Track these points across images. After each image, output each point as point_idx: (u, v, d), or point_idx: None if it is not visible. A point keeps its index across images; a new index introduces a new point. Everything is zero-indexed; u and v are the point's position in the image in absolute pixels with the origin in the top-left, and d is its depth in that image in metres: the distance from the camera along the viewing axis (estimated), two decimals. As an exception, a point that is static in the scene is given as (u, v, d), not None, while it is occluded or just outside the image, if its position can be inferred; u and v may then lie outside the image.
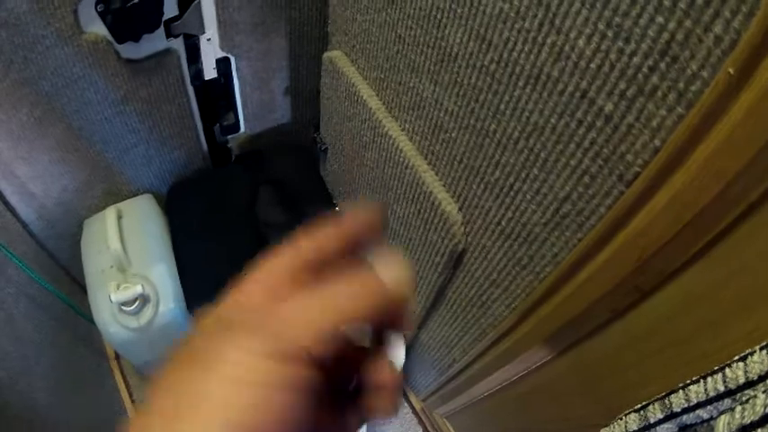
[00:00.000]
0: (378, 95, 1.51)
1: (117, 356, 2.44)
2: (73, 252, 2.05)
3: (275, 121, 2.30)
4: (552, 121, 0.91)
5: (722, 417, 0.61)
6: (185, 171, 2.26)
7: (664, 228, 0.77)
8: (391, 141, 1.45)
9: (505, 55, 0.96)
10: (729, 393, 0.63)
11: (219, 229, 2.08)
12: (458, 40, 1.07)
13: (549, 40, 0.86)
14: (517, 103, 0.98)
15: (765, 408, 0.56)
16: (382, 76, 1.44)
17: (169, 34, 1.72)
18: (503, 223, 1.14)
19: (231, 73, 1.98)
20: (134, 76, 1.74)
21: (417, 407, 2.42)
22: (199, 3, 1.69)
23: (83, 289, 1.97)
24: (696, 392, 0.68)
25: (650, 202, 0.78)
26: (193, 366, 0.42)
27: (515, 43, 0.93)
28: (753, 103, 0.60)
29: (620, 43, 0.74)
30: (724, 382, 0.63)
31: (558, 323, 1.10)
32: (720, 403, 0.64)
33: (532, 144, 0.98)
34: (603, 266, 0.91)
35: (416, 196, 1.42)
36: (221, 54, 1.89)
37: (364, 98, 1.52)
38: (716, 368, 0.65)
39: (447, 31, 1.09)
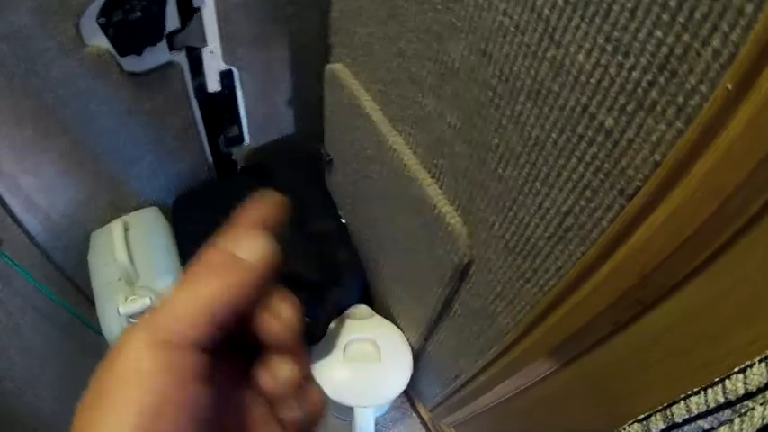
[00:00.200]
0: (381, 108, 1.51)
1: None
2: (79, 263, 2.06)
3: (280, 132, 2.31)
4: (553, 135, 0.91)
5: (722, 428, 0.61)
6: (190, 183, 2.26)
7: (664, 243, 0.77)
8: (395, 155, 1.44)
9: (506, 69, 0.96)
10: (729, 404, 0.63)
11: (225, 241, 2.08)
12: (459, 54, 1.07)
13: (548, 55, 0.85)
14: (519, 118, 0.97)
15: (763, 420, 0.56)
16: (385, 90, 1.43)
17: (172, 47, 1.72)
18: (506, 237, 1.14)
19: (234, 85, 1.98)
20: (137, 89, 1.74)
21: (425, 416, 2.42)
22: (201, 15, 1.69)
23: (89, 300, 1.98)
24: (697, 404, 0.68)
25: (650, 217, 0.78)
26: (102, 364, 0.44)
27: (516, 57, 0.92)
28: (752, 117, 0.59)
29: (619, 58, 0.74)
30: (724, 393, 0.64)
31: (563, 335, 1.10)
32: (721, 414, 0.64)
33: (534, 158, 0.97)
34: (606, 280, 0.91)
35: (421, 209, 1.42)
36: (224, 67, 1.90)
37: (367, 111, 1.52)
38: (716, 379, 0.65)
39: (448, 45, 1.09)
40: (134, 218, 2.13)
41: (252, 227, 0.52)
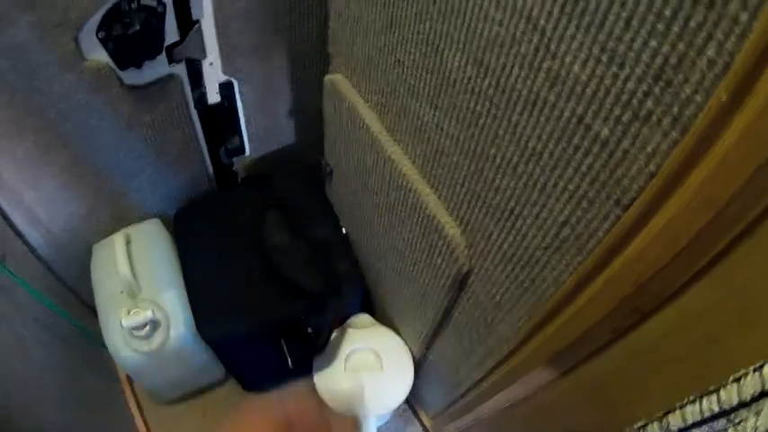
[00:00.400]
0: (379, 119, 1.51)
1: (129, 378, 2.44)
2: (82, 275, 2.06)
3: (280, 143, 2.31)
4: (550, 146, 0.91)
5: (716, 437, 0.62)
6: (192, 194, 2.27)
7: (660, 252, 0.77)
8: (394, 165, 1.45)
9: (503, 80, 0.96)
10: (724, 414, 0.63)
11: (227, 252, 2.09)
12: (456, 65, 1.07)
13: (544, 65, 0.86)
14: (515, 128, 0.98)
15: (755, 430, 0.56)
16: (383, 100, 1.44)
17: (171, 60, 1.72)
18: (504, 246, 1.15)
19: (234, 96, 1.98)
20: (138, 102, 1.74)
21: (427, 424, 2.42)
22: (200, 27, 1.69)
23: (93, 311, 1.98)
24: (692, 413, 0.69)
25: (646, 227, 0.78)
26: None
27: (512, 68, 0.93)
28: (747, 126, 0.59)
29: (614, 68, 0.74)
30: (719, 402, 0.64)
31: (561, 344, 1.10)
32: (716, 423, 0.65)
33: (531, 169, 0.98)
34: (603, 290, 0.91)
35: (420, 219, 1.42)
36: (224, 78, 1.90)
37: (366, 122, 1.53)
38: (711, 389, 0.66)
39: (445, 56, 1.10)
40: (136, 230, 2.14)
41: None
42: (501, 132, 1.02)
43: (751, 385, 0.60)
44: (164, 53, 1.68)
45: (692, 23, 0.62)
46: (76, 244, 2.05)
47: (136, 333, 1.83)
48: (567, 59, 0.81)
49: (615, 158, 0.80)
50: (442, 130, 1.21)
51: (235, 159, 2.27)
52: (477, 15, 0.96)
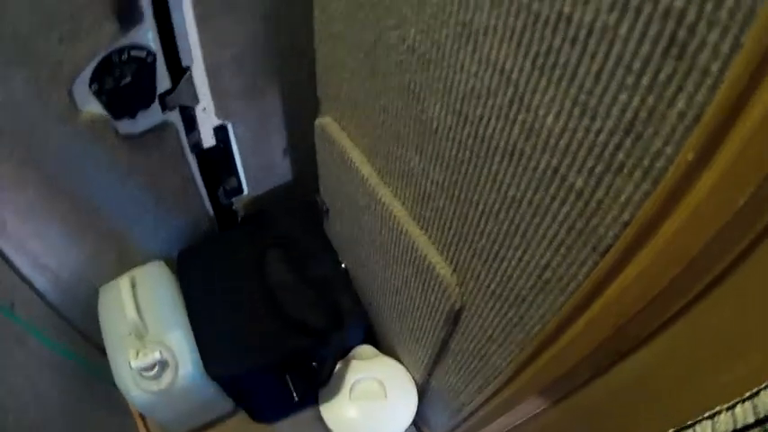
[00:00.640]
0: (369, 162, 1.53)
1: (141, 414, 2.45)
2: (90, 317, 2.07)
3: (277, 180, 2.33)
4: (528, 194, 0.93)
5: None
6: (193, 235, 2.28)
7: (635, 298, 0.79)
8: (385, 207, 1.47)
9: (481, 130, 0.98)
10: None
11: (230, 291, 2.11)
12: (437, 114, 1.09)
13: (519, 118, 0.88)
14: (495, 177, 1.00)
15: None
16: (372, 144, 1.46)
17: (165, 107, 1.74)
18: (492, 286, 1.16)
19: (229, 139, 2.00)
20: (134, 151, 1.76)
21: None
22: (190, 74, 1.71)
23: (103, 351, 2.00)
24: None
25: (621, 274, 0.80)
26: None
27: (489, 119, 0.95)
28: (715, 183, 0.61)
29: (586, 121, 0.75)
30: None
31: (549, 378, 1.12)
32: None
33: (512, 215, 1.00)
34: (583, 331, 0.93)
35: (412, 260, 1.44)
36: (218, 122, 1.91)
37: (357, 165, 1.54)
38: (689, 423, 0.67)
39: (426, 105, 1.12)
40: (140, 272, 2.16)
41: None
42: (482, 180, 1.04)
43: (724, 423, 0.62)
44: (157, 101, 1.70)
45: (662, 76, 0.63)
46: (83, 287, 2.07)
47: (145, 374, 1.85)
48: (541, 112, 0.83)
49: (590, 208, 0.81)
50: (427, 175, 1.23)
51: (234, 199, 2.29)
52: (454, 67, 0.98)
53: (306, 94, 1.78)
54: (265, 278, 2.07)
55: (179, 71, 1.69)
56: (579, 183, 0.81)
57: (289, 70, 1.89)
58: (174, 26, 1.57)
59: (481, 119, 0.97)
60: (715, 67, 0.57)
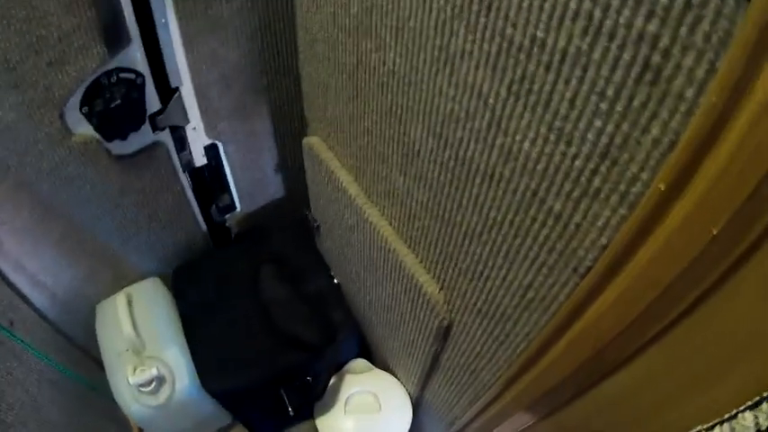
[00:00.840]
0: (356, 181, 1.54)
1: (140, 429, 2.46)
2: (89, 333, 2.08)
3: (270, 197, 2.34)
4: (509, 216, 0.94)
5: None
6: (188, 252, 2.29)
7: (613, 322, 0.79)
8: (372, 226, 1.48)
9: (461, 153, 0.99)
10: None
11: (225, 307, 2.11)
12: (418, 137, 1.10)
13: (497, 142, 0.88)
14: (477, 199, 1.01)
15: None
16: (358, 164, 1.47)
17: (155, 128, 1.75)
18: (478, 304, 1.17)
19: (220, 157, 2.01)
20: (127, 171, 1.77)
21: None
22: (180, 95, 1.72)
23: (101, 366, 2.00)
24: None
25: (599, 298, 0.81)
26: None
27: (468, 142, 0.96)
28: (687, 214, 0.62)
29: (562, 147, 0.76)
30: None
31: (536, 394, 1.13)
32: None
33: (494, 236, 1.01)
34: (565, 351, 0.94)
35: (401, 277, 1.45)
36: (208, 141, 1.92)
37: (344, 184, 1.56)
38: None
39: (408, 127, 1.13)
40: (136, 289, 2.17)
41: None
42: (464, 202, 1.05)
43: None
44: (147, 122, 1.71)
45: (636, 102, 0.63)
46: (81, 305, 2.08)
47: (143, 389, 1.86)
48: (518, 137, 0.83)
49: (569, 231, 0.82)
50: (412, 196, 1.24)
51: (227, 216, 2.30)
52: (433, 90, 0.99)
53: (295, 113, 1.79)
54: (259, 294, 2.08)
55: (168, 92, 1.70)
56: (558, 206, 0.82)
57: (277, 89, 1.90)
58: (162, 48, 1.58)
59: (461, 142, 0.97)
60: (690, 93, 0.57)
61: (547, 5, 0.69)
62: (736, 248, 0.60)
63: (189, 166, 1.96)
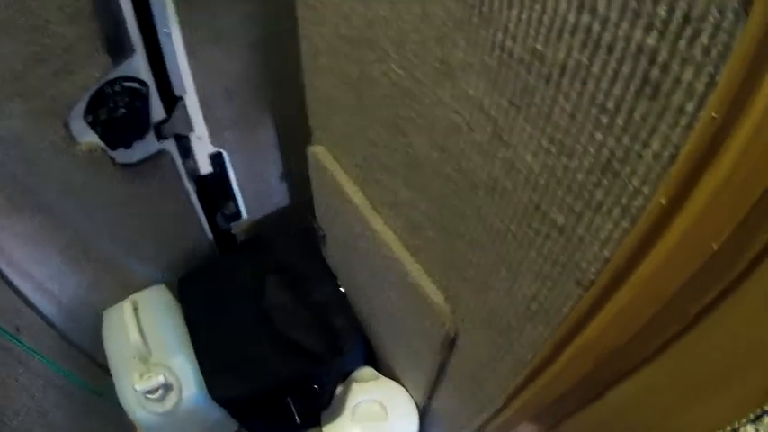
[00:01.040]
0: (361, 191, 1.54)
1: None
2: (95, 340, 2.08)
3: (275, 205, 2.35)
4: (512, 228, 0.94)
5: None
6: (194, 259, 2.29)
7: (616, 334, 0.79)
8: (377, 236, 1.48)
9: (463, 164, 0.99)
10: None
11: (232, 315, 2.11)
12: (421, 148, 1.10)
13: (500, 154, 0.88)
14: (480, 210, 1.01)
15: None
16: (363, 174, 1.47)
17: (160, 136, 1.75)
18: (483, 314, 1.17)
19: (226, 166, 2.01)
20: (132, 179, 1.78)
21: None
22: (184, 104, 1.72)
23: (108, 372, 2.01)
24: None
25: (602, 310, 0.80)
26: None
27: (470, 154, 0.96)
28: (687, 228, 0.61)
29: (563, 159, 0.76)
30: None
31: (541, 404, 1.13)
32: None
33: (498, 247, 1.00)
34: (569, 362, 0.94)
35: (406, 287, 1.44)
36: (213, 149, 1.93)
37: (349, 194, 1.56)
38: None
39: (411, 139, 1.13)
40: (142, 296, 2.17)
41: None
42: (468, 213, 1.05)
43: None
44: (152, 131, 1.71)
45: (636, 115, 0.63)
46: (87, 311, 2.08)
47: (149, 396, 1.86)
48: (520, 149, 0.83)
49: (572, 243, 0.82)
50: (416, 206, 1.24)
51: (233, 224, 2.30)
52: (435, 102, 0.99)
53: (299, 122, 1.79)
54: (266, 302, 2.08)
55: (172, 101, 1.70)
56: (560, 219, 0.82)
57: (281, 99, 1.91)
58: (165, 57, 1.59)
59: (463, 154, 0.97)
60: (689, 107, 0.57)
61: (546, 19, 0.69)
62: (737, 263, 0.60)
63: (194, 175, 1.96)
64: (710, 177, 0.57)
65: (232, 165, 2.01)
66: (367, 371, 2.23)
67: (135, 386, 1.84)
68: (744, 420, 0.63)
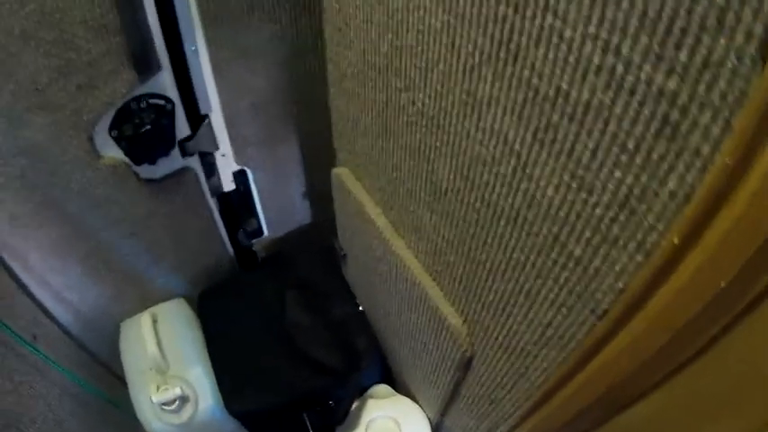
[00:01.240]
0: (384, 214, 1.56)
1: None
2: (112, 350, 2.10)
3: (297, 223, 2.37)
4: (532, 258, 0.96)
5: None
6: (214, 274, 2.32)
7: (627, 362, 0.81)
8: (399, 259, 1.50)
9: (486, 195, 1.01)
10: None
11: (251, 330, 2.13)
12: (446, 176, 1.12)
13: (522, 187, 0.90)
14: (501, 240, 1.03)
15: None
16: (386, 198, 1.49)
17: (185, 153, 1.77)
18: (500, 338, 1.19)
19: (249, 183, 2.04)
20: (155, 195, 1.80)
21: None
22: (209, 122, 1.74)
23: (124, 383, 2.02)
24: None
25: (615, 339, 0.82)
26: None
27: (494, 186, 0.98)
28: (698, 267, 0.64)
29: (583, 194, 0.78)
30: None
31: (552, 427, 1.14)
32: None
33: (517, 276, 1.03)
34: (582, 387, 0.95)
35: (425, 309, 1.47)
36: (237, 167, 1.95)
37: (372, 216, 1.57)
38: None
39: (436, 166, 1.15)
40: (161, 309, 2.19)
41: None
42: (489, 241, 1.07)
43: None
44: (177, 147, 1.73)
45: (655, 155, 0.65)
46: (105, 322, 2.10)
47: (165, 408, 1.88)
48: (542, 183, 0.85)
49: (588, 274, 0.84)
50: (438, 232, 1.26)
51: (254, 241, 2.32)
52: (461, 133, 1.01)
53: (324, 142, 1.80)
54: (285, 319, 2.10)
55: (198, 118, 1.73)
56: (578, 251, 0.84)
57: (306, 119, 1.93)
58: (192, 75, 1.61)
59: (487, 185, 1.00)
60: (706, 150, 0.59)
61: (571, 59, 0.71)
62: (743, 299, 0.62)
63: (217, 191, 1.98)
64: (721, 220, 0.59)
65: (255, 182, 2.02)
66: (382, 388, 2.24)
67: (152, 398, 1.86)
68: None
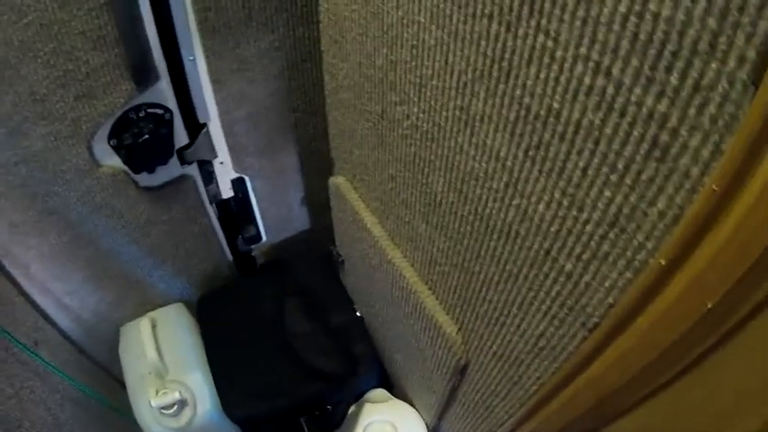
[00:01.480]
0: (380, 223, 1.58)
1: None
2: (112, 355, 2.11)
3: (295, 229, 2.38)
4: (524, 271, 0.97)
5: None
6: (213, 280, 2.32)
7: (616, 375, 0.83)
8: (395, 268, 1.51)
9: (479, 209, 1.03)
10: None
11: (249, 336, 2.13)
12: (440, 189, 1.14)
13: (514, 202, 0.92)
14: (494, 252, 1.04)
15: None
16: (382, 208, 1.50)
17: (183, 161, 1.78)
18: (494, 347, 1.20)
19: (247, 190, 2.04)
20: (154, 202, 1.81)
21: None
22: (207, 130, 1.75)
23: (123, 386, 2.03)
24: None
25: (604, 353, 0.84)
26: None
27: (487, 200, 0.99)
28: (684, 288, 0.65)
29: (574, 212, 0.79)
30: None
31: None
32: None
33: (510, 287, 1.04)
34: (572, 397, 0.97)
35: (421, 317, 1.48)
36: (236, 175, 1.96)
37: (368, 225, 1.59)
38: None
39: (430, 179, 1.16)
40: (161, 314, 2.21)
41: None
42: (482, 253, 1.08)
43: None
44: (175, 156, 1.74)
45: (644, 176, 0.66)
46: (105, 327, 2.11)
47: (165, 412, 1.89)
48: (533, 199, 0.87)
49: (579, 288, 0.86)
50: (433, 242, 1.28)
51: (253, 247, 2.33)
52: (454, 148, 1.03)
53: (321, 151, 1.81)
54: (283, 324, 2.10)
55: (196, 127, 1.73)
56: (569, 266, 0.85)
57: (304, 128, 1.93)
58: (190, 85, 1.62)
59: (480, 199, 1.01)
60: (695, 172, 0.60)
61: (562, 79, 0.73)
62: (729, 320, 0.63)
63: (216, 199, 1.99)
64: (708, 243, 0.61)
65: (254, 190, 2.03)
66: (380, 392, 2.24)
67: (151, 402, 1.87)
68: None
